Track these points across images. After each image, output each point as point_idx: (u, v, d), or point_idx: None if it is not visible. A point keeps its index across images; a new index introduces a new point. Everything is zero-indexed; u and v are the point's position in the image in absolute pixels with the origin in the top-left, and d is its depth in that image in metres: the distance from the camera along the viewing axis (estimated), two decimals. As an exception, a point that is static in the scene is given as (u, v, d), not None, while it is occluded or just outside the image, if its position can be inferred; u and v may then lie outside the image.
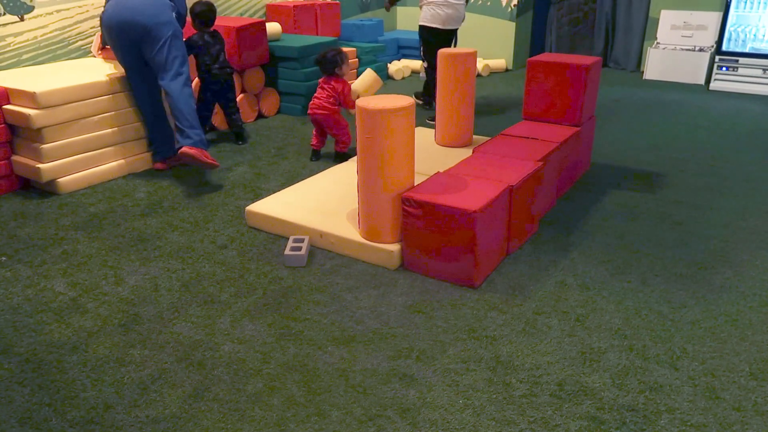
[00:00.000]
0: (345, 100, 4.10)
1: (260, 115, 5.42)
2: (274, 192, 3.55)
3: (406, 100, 2.68)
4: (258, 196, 3.61)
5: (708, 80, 6.58)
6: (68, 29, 4.57)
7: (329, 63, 4.09)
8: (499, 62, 7.49)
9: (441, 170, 3.08)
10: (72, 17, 4.57)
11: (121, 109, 3.94)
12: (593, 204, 3.52)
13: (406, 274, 2.77)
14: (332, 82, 4.11)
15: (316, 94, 4.18)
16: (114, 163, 3.96)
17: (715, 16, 6.62)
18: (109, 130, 3.90)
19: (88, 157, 3.81)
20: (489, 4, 7.45)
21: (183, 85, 3.79)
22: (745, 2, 6.21)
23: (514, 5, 7.30)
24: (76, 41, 4.64)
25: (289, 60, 5.38)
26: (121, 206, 3.54)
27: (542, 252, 2.97)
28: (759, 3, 6.19)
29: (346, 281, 2.72)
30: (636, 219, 3.32)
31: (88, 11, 4.66)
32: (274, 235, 3.17)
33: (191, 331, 2.37)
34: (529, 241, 3.08)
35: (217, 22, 5.01)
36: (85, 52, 4.70)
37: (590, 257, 2.91)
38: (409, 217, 2.71)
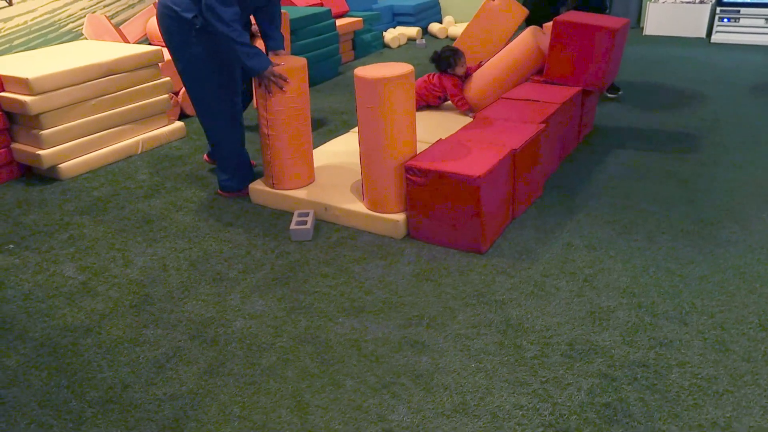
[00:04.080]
0: (453, 100, 3.95)
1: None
2: (276, 167, 3.54)
3: (405, 68, 2.64)
4: (260, 172, 3.60)
5: (709, 33, 6.47)
6: (58, 12, 4.51)
7: (443, 61, 3.95)
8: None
9: (443, 137, 3.06)
10: (61, -1, 4.51)
11: (118, 91, 3.90)
12: (597, 165, 3.50)
13: (413, 243, 2.78)
14: (440, 78, 3.95)
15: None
16: (114, 146, 3.94)
17: (716, -33, 6.47)
18: (108, 113, 3.87)
19: (88, 141, 3.80)
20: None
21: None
22: (746, -50, 6.07)
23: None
24: (67, 24, 4.58)
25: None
26: (124, 189, 3.54)
27: (548, 215, 2.96)
28: (760, -50, 6.05)
29: (353, 253, 2.73)
30: (642, 179, 3.30)
31: (77, -8, 4.59)
32: (279, 210, 3.16)
33: (202, 309, 2.39)
34: (534, 204, 3.07)
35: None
36: (76, 35, 4.64)
37: (596, 218, 2.91)
38: (413, 185, 2.70)
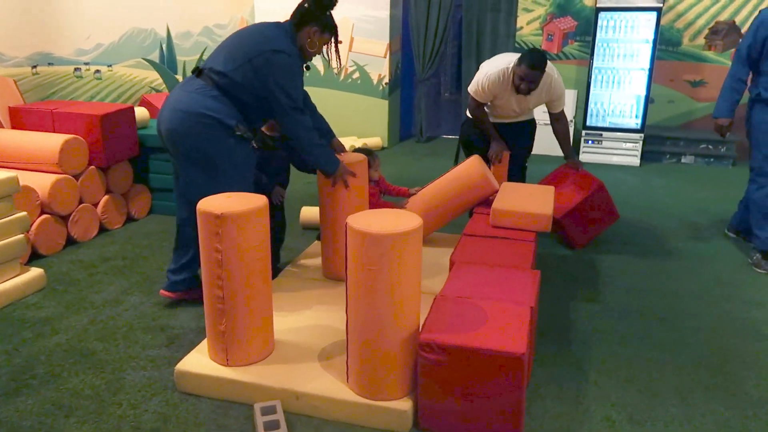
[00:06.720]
0: (378, 205, 3.55)
1: (130, 218, 4.43)
2: (195, 332, 2.70)
3: (412, 219, 2.12)
4: (174, 340, 2.73)
5: (576, 153, 6.95)
6: None
7: None
8: (376, 140, 7.24)
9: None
10: None
11: (-48, 236, 2.81)
12: (565, 304, 3.21)
13: (428, 439, 2.14)
14: None
15: None
16: (-58, 314, 2.77)
17: (571, 94, 7.10)
18: (-65, 267, 2.75)
19: None
20: (359, 82, 7.23)
21: None
22: (601, 82, 6.74)
23: (386, 84, 7.17)
24: None
25: (161, 150, 4.50)
26: (-32, 384, 2.41)
27: (558, 377, 2.53)
28: (609, 82, 6.75)
29: (355, 465, 2.01)
30: (621, 318, 3.07)
31: None
32: (222, 401, 2.32)
33: None
34: (535, 363, 2.64)
35: (77, 110, 4.06)
36: None
37: (611, 376, 2.54)
38: (429, 365, 2.10)
